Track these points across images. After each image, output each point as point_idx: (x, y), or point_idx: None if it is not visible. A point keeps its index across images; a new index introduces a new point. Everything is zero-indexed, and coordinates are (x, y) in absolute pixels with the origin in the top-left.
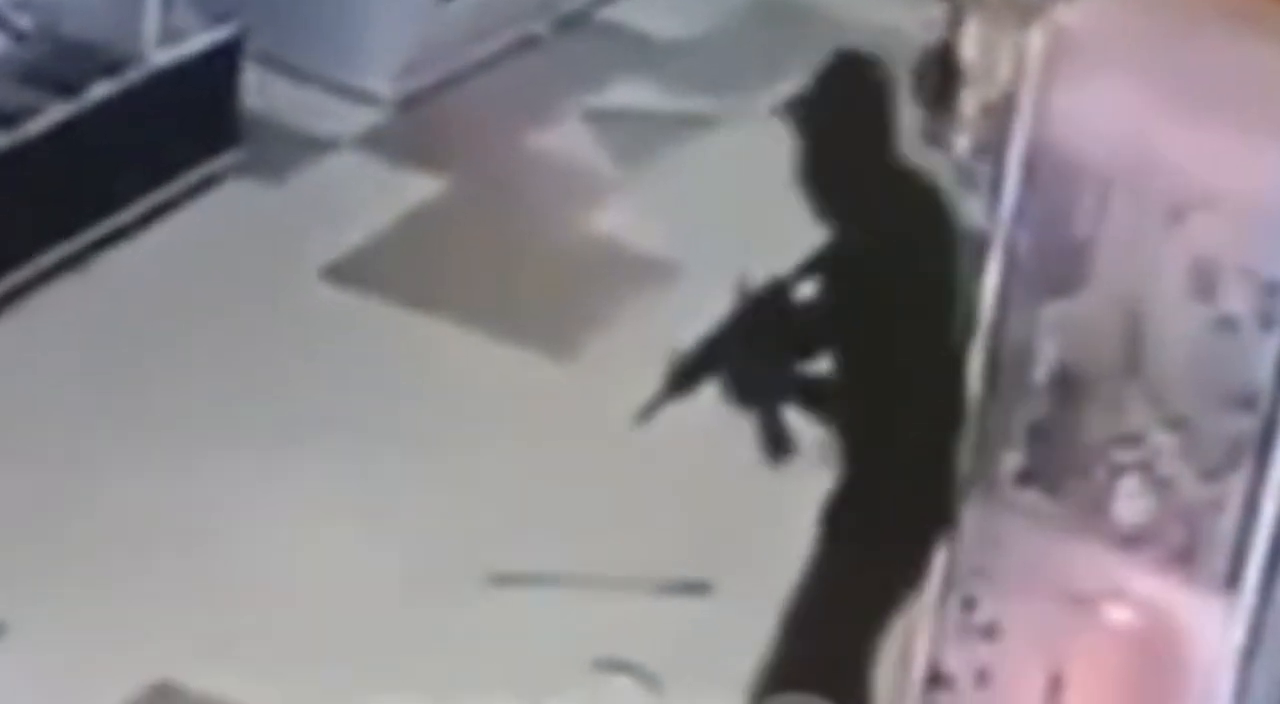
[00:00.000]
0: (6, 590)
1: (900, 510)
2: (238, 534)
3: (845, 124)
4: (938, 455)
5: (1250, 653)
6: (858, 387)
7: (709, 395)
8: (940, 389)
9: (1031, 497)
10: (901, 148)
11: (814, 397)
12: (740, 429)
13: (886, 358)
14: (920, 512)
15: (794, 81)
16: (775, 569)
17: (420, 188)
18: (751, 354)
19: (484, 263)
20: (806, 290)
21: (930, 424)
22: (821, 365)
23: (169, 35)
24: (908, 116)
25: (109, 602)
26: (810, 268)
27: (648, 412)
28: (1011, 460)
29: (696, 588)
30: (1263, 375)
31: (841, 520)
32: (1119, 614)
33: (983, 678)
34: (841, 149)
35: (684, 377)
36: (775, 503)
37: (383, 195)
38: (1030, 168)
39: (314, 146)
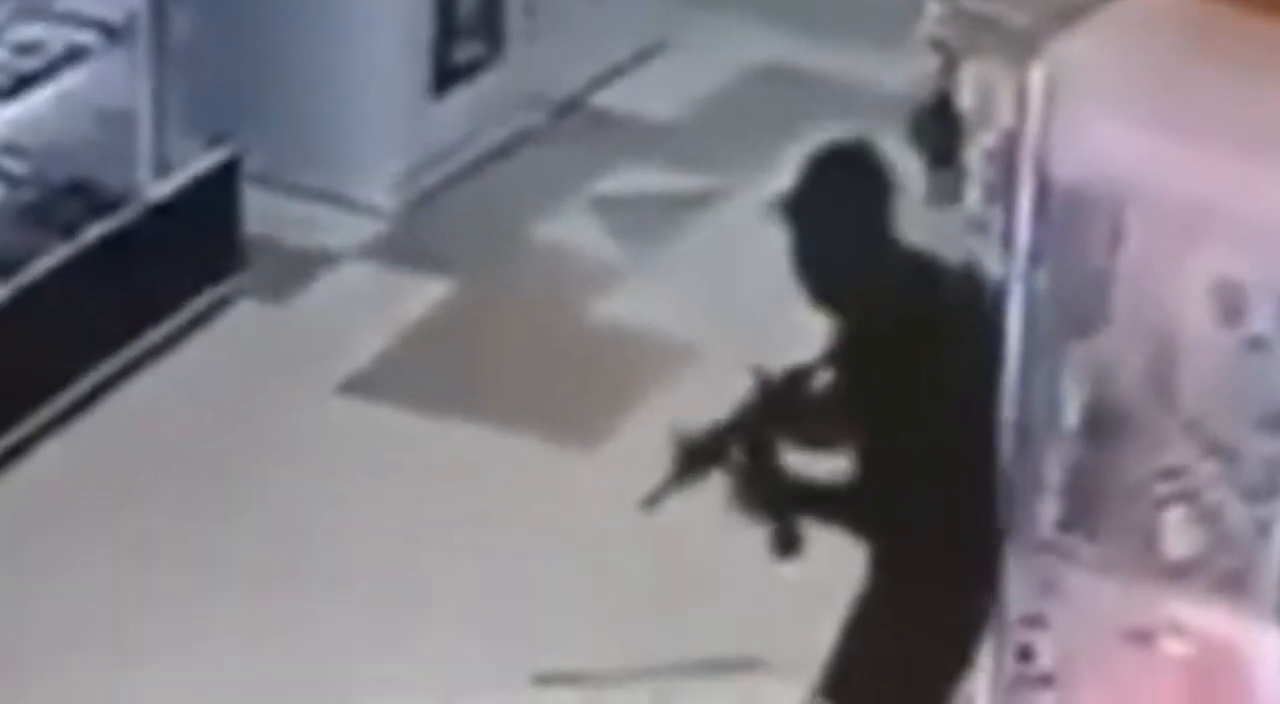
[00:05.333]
0: None
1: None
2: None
3: (839, 215)
4: (972, 544)
5: None
6: (877, 481)
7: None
8: (968, 474)
9: (1075, 540)
10: (902, 235)
11: (825, 508)
12: None
13: (908, 449)
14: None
15: (796, 150)
16: (826, 638)
17: (430, 291)
18: (760, 458)
19: (500, 360)
20: (823, 380)
21: (963, 513)
22: (834, 469)
23: (165, 164)
24: (910, 180)
25: None
26: (829, 358)
27: (656, 498)
28: (1050, 507)
29: (749, 664)
30: None
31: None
32: (1178, 648)
33: None
34: (838, 239)
35: (693, 462)
36: (812, 575)
37: (393, 303)
38: (1041, 208)
39: (319, 262)
